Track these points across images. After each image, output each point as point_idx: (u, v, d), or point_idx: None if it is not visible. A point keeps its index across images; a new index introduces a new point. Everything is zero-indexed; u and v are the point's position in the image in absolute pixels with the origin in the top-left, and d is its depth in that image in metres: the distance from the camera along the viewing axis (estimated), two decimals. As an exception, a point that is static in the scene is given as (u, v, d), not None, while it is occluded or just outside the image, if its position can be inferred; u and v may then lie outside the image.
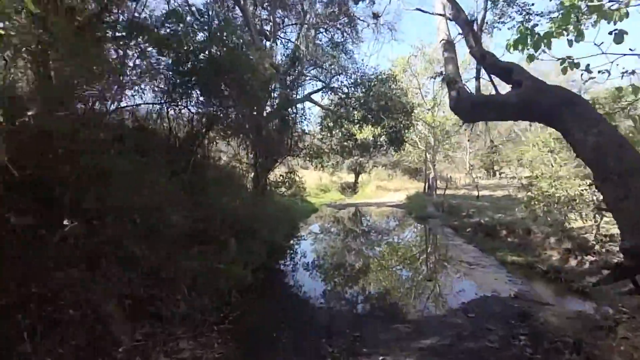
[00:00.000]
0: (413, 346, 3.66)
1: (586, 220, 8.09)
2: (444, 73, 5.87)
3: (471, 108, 5.25)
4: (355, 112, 12.82)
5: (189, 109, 8.29)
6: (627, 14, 3.17)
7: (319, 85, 13.09)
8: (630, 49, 3.56)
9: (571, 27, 3.67)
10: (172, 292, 3.72)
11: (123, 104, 6.44)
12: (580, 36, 3.65)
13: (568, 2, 3.56)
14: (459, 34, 5.82)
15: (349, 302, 5.50)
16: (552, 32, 3.73)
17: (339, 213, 18.93)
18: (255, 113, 12.38)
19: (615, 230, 8.50)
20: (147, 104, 7.20)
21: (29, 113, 3.13)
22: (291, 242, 10.56)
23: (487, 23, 6.07)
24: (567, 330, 3.66)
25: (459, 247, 9.65)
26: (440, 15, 5.72)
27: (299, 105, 13.26)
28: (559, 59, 3.96)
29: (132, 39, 5.73)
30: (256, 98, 11.57)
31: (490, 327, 3.94)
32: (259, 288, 5.60)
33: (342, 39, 12.91)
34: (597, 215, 8.01)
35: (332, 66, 11.58)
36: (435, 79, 5.75)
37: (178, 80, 7.24)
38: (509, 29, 6.40)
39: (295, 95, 12.24)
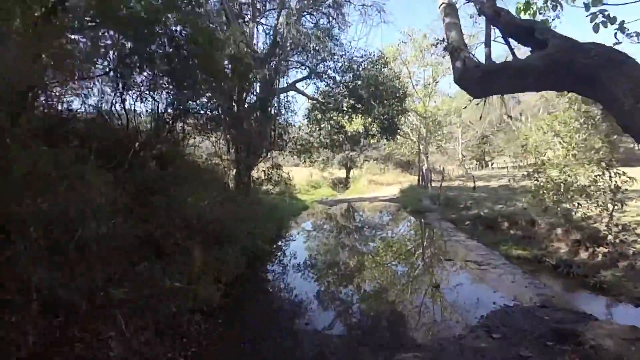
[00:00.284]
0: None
1: (602, 210, 7.30)
2: (445, 41, 4.90)
3: (482, 79, 4.30)
4: (344, 102, 11.86)
5: (153, 97, 7.18)
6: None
7: (304, 73, 12.07)
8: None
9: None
10: (95, 334, 2.69)
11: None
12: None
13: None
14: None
15: (341, 321, 4.53)
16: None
17: (330, 210, 17.96)
18: (234, 104, 11.32)
19: (627, 219, 7.80)
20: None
21: None
22: (277, 244, 9.52)
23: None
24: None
25: (462, 244, 8.80)
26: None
27: (283, 95, 12.24)
28: (589, 14, 3.06)
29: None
30: (234, 86, 10.54)
31: (525, 355, 3.03)
32: (231, 308, 4.56)
33: (328, 24, 11.83)
34: (610, 204, 7.28)
35: (318, 50, 10.51)
36: (436, 46, 4.76)
37: (139, 64, 6.13)
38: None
39: (277, 84, 11.15)
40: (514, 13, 3.79)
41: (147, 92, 6.56)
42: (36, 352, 2.51)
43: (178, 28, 6.20)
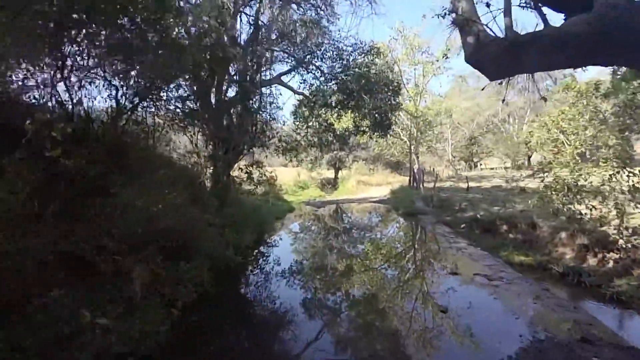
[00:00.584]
0: None
1: (618, 214, 6.60)
2: (454, 13, 4.01)
3: (502, 55, 3.45)
4: (333, 97, 10.93)
5: (106, 79, 6.04)
6: None
7: (290, 66, 11.05)
8: None
9: None
10: None
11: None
12: None
13: None
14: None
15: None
16: None
17: (317, 211, 16.96)
18: (213, 96, 10.25)
19: (636, 221, 7.16)
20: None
21: None
22: (255, 253, 8.39)
23: None
24: None
25: (465, 252, 7.94)
26: None
27: (266, 88, 11.18)
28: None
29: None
30: (210, 75, 9.49)
31: None
32: (183, 346, 3.51)
33: (316, 15, 10.81)
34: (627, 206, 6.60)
35: (304, 38, 9.51)
36: (443, 17, 3.83)
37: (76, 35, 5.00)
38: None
39: (259, 74, 10.11)
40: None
41: (94, 72, 5.45)
42: None
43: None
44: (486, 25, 3.82)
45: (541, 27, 3.41)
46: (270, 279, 6.35)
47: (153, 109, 7.92)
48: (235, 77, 10.23)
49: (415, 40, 21.26)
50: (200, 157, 9.94)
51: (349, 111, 11.29)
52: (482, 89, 3.46)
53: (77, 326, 2.67)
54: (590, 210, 6.62)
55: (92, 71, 5.81)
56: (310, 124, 13.37)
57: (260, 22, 9.32)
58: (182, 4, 6.41)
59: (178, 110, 8.86)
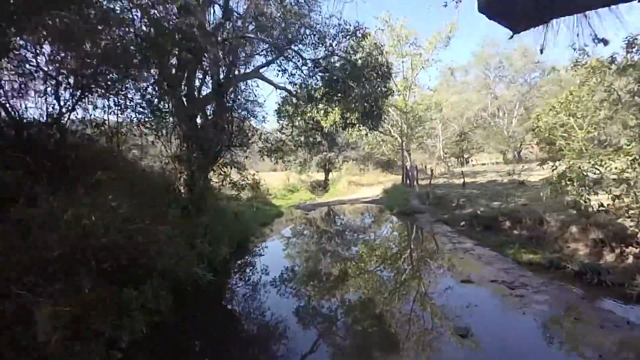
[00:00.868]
0: None
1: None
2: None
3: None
4: (318, 91, 10.01)
5: (40, 68, 4.97)
6: None
7: (269, 57, 10.10)
8: None
9: None
10: None
11: None
12: None
13: None
14: None
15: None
16: None
17: (308, 215, 15.95)
18: (184, 90, 9.21)
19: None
20: None
21: None
22: (230, 267, 7.18)
23: None
24: None
25: (473, 254, 7.04)
26: None
27: (243, 83, 10.20)
28: None
29: None
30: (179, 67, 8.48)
31: None
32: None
33: (296, 5, 9.82)
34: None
35: (281, 22, 8.55)
36: None
37: None
38: None
39: (234, 65, 9.12)
40: None
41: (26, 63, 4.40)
42: None
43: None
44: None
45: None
46: (247, 295, 5.33)
47: (114, 108, 6.89)
48: (208, 70, 9.23)
49: (402, 31, 20.58)
50: (174, 161, 8.90)
51: (336, 106, 10.41)
52: (510, 38, 2.55)
53: None
54: (614, 200, 5.85)
55: (23, 62, 4.77)
56: (296, 123, 12.46)
57: (232, 8, 8.33)
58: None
59: (141, 108, 7.74)
